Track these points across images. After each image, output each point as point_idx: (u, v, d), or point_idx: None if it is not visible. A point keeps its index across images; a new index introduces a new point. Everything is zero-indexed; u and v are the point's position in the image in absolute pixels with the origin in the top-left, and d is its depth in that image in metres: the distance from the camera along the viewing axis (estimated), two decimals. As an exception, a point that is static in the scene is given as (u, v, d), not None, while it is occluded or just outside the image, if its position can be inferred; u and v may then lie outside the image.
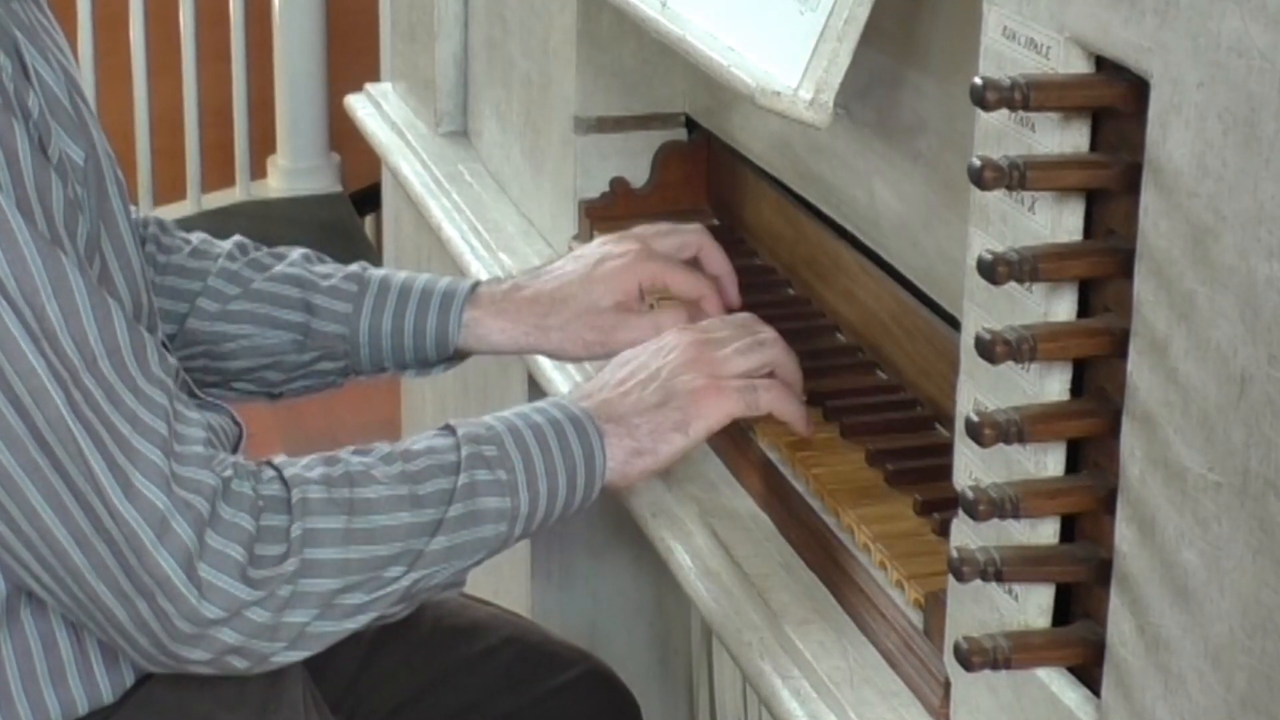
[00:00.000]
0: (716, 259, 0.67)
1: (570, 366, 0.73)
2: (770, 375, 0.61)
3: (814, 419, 0.61)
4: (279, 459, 0.56)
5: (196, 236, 0.69)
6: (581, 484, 0.57)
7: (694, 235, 0.67)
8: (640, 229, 0.69)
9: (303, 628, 0.54)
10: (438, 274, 0.69)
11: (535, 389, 0.80)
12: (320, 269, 0.68)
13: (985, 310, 0.47)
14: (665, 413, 0.58)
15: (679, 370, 0.59)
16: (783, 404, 0.60)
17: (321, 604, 0.54)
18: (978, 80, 0.43)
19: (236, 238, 0.69)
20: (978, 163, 0.43)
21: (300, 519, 0.53)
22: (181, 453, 0.52)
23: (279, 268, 0.68)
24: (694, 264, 0.68)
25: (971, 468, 0.48)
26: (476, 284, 0.68)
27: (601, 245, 0.68)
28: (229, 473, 0.53)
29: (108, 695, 0.57)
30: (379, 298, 0.67)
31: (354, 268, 0.69)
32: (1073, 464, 0.46)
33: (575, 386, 0.64)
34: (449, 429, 0.57)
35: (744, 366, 0.60)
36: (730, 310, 0.66)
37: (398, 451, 0.56)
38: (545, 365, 0.75)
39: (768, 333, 0.62)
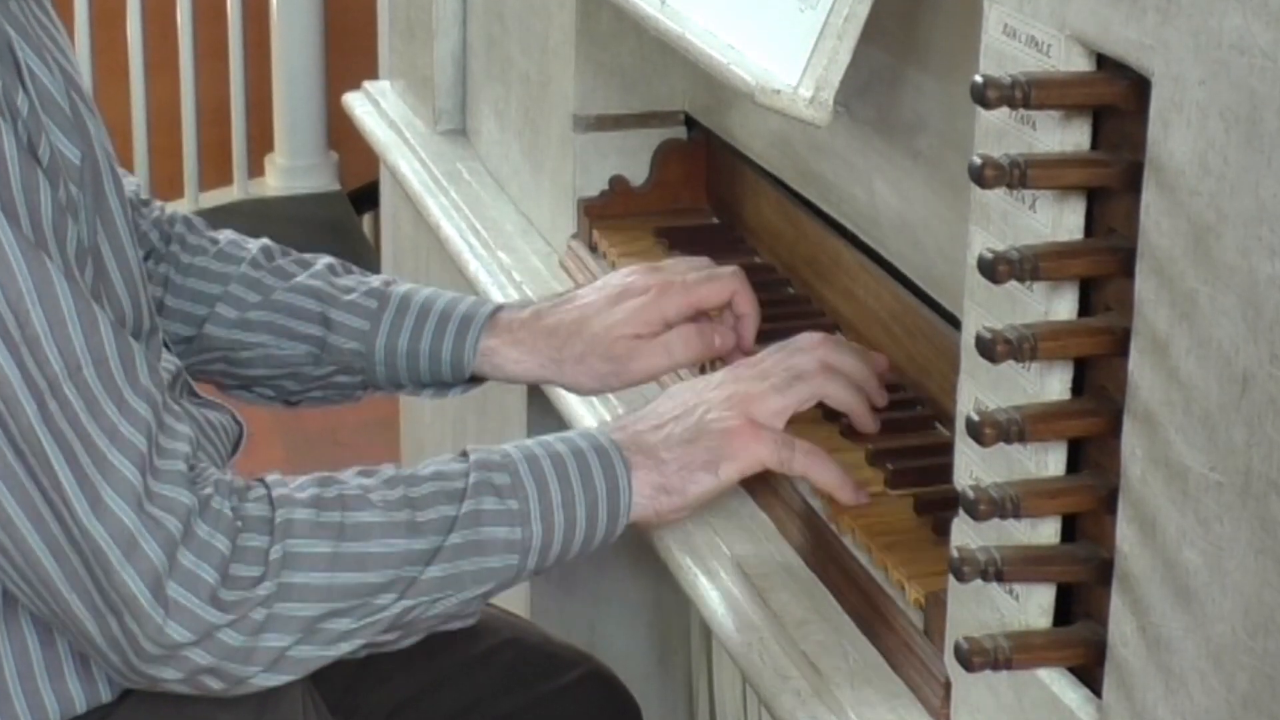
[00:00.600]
0: (746, 300, 0.65)
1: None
2: (822, 406, 0.57)
3: (855, 480, 0.56)
4: (272, 477, 0.55)
5: (224, 237, 0.68)
6: (604, 517, 0.55)
7: (730, 280, 0.65)
8: (673, 263, 0.66)
9: (281, 652, 0.52)
10: (462, 294, 0.67)
11: (535, 393, 0.79)
12: (343, 281, 0.67)
13: (986, 309, 0.47)
14: (695, 451, 0.56)
15: (715, 406, 0.57)
16: (819, 472, 0.56)
17: (302, 629, 0.52)
18: (978, 78, 0.43)
19: (264, 241, 0.68)
20: (978, 161, 0.43)
21: (281, 541, 0.52)
22: (160, 468, 0.51)
23: (301, 278, 0.67)
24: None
25: (972, 467, 0.48)
26: (498, 309, 0.66)
27: (627, 277, 0.66)
28: (209, 490, 0.52)
29: (106, 694, 0.57)
30: (397, 317, 0.66)
31: (377, 283, 0.67)
32: (1074, 463, 0.45)
33: (616, 416, 0.62)
34: (464, 454, 0.56)
35: (780, 404, 0.57)
36: (746, 350, 0.64)
37: (404, 475, 0.55)
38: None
39: (805, 360, 0.58)
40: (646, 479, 0.56)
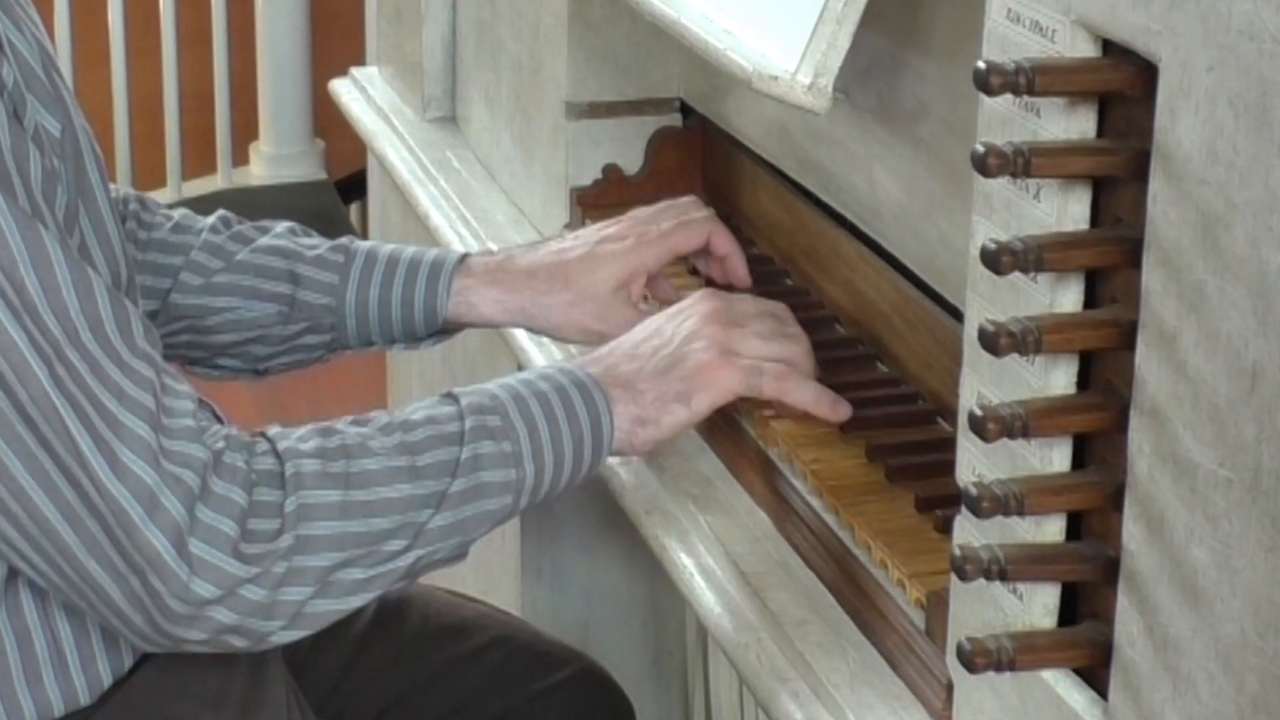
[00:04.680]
0: (724, 241, 0.67)
1: (558, 354, 0.72)
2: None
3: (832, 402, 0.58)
4: (273, 430, 0.54)
5: (178, 213, 0.68)
6: (589, 451, 0.56)
7: (703, 224, 0.66)
8: (639, 212, 0.67)
9: (300, 605, 0.52)
10: (425, 246, 0.68)
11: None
12: (306, 240, 0.67)
13: (989, 301, 0.46)
14: (669, 381, 0.57)
15: (691, 338, 0.57)
16: (793, 391, 0.58)
17: (318, 580, 0.52)
18: (981, 64, 0.42)
19: (220, 212, 0.68)
20: (981, 149, 0.42)
21: (294, 493, 0.52)
22: (170, 426, 0.51)
23: (263, 240, 0.66)
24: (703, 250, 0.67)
25: (975, 463, 0.47)
26: (466, 255, 0.67)
27: (600, 229, 0.67)
28: (220, 445, 0.52)
29: (84, 696, 0.56)
30: (365, 268, 0.65)
31: (340, 240, 0.67)
32: (1079, 459, 0.45)
33: (588, 352, 0.62)
34: (451, 397, 0.56)
35: (758, 350, 0.58)
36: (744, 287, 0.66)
37: (396, 422, 0.55)
38: (536, 358, 0.73)
39: (796, 328, 0.60)
40: (625, 411, 0.57)
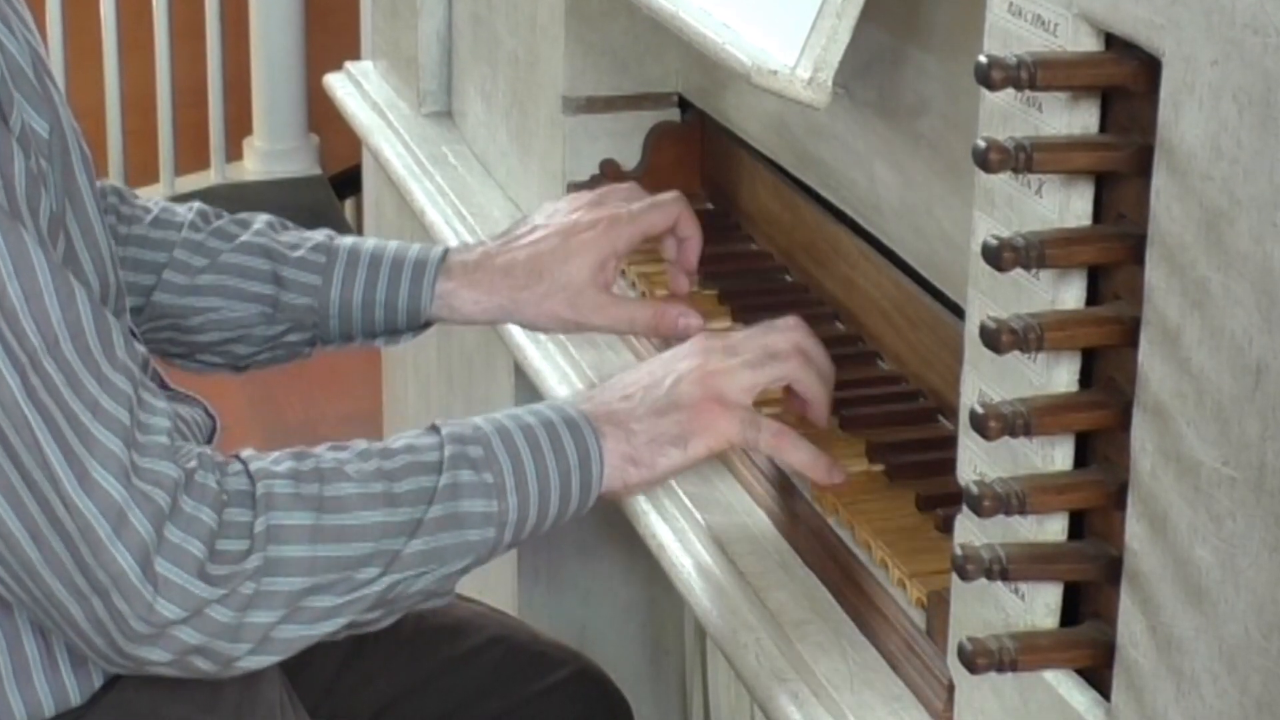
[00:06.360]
0: (690, 224, 0.67)
1: (560, 358, 0.72)
2: (789, 390, 0.58)
3: (838, 462, 0.56)
4: (246, 452, 0.54)
5: (157, 205, 0.67)
6: (576, 488, 0.55)
7: (673, 205, 0.67)
8: (613, 191, 0.68)
9: (268, 630, 0.52)
10: (405, 241, 0.68)
11: (522, 379, 0.78)
12: (287, 238, 0.67)
13: (990, 298, 0.46)
14: (664, 424, 0.56)
15: (684, 379, 0.57)
16: (788, 451, 0.56)
17: (287, 604, 0.52)
18: (983, 58, 0.42)
19: (197, 205, 0.68)
20: (983, 144, 0.42)
21: (264, 514, 0.51)
22: (143, 443, 0.50)
23: (245, 237, 0.66)
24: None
25: (976, 462, 0.47)
26: (446, 251, 0.67)
27: (571, 213, 0.67)
28: (193, 464, 0.51)
29: (75, 697, 0.56)
30: (348, 269, 0.65)
31: (321, 237, 0.67)
32: (1081, 458, 0.44)
33: (579, 390, 0.63)
34: (433, 428, 0.56)
35: (750, 380, 0.57)
36: (689, 270, 0.67)
37: (375, 449, 0.54)
38: (532, 356, 0.73)
39: (782, 340, 0.58)
40: (616, 449, 0.56)
